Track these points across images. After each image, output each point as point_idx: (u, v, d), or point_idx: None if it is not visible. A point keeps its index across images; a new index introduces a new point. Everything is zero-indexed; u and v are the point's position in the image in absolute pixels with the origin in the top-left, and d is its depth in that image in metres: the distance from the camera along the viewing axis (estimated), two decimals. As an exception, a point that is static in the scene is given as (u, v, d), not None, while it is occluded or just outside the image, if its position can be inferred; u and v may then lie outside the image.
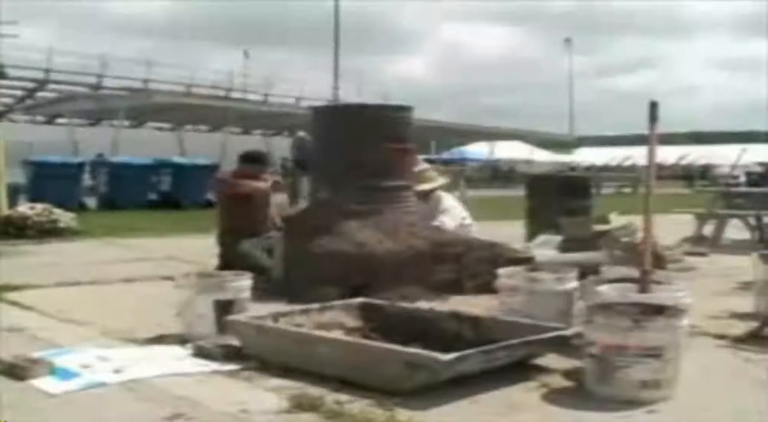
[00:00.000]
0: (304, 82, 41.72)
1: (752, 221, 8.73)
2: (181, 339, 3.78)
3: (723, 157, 43.94)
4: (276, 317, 3.66)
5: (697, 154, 53.42)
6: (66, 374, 3.21)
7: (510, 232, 7.97)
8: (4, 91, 33.99)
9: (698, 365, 3.23)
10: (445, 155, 43.92)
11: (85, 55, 34.67)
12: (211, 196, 12.11)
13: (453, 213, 6.60)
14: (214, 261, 6.04)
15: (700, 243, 8.16)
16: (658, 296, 3.41)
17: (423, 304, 4.43)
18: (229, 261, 5.65)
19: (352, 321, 3.82)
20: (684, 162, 50.17)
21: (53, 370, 3.24)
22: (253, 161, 6.37)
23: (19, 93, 34.96)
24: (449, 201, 6.83)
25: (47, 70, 33.03)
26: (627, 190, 28.42)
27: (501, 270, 4.16)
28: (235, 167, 6.50)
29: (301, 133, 14.50)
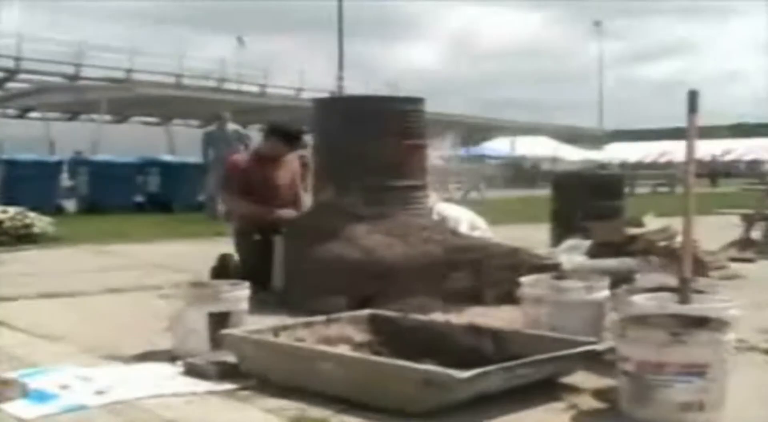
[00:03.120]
0: (304, 71, 41.95)
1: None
2: (171, 356, 3.79)
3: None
4: (276, 331, 3.66)
5: (743, 149, 53.27)
6: (42, 396, 3.21)
7: (534, 236, 7.98)
8: (-31, 81, 34.17)
9: (747, 384, 3.21)
10: (462, 152, 43.94)
11: (60, 41, 34.87)
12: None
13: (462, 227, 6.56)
14: (207, 269, 6.05)
15: (747, 248, 8.13)
16: (700, 307, 3.40)
17: (438, 316, 4.42)
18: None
19: (360, 335, 3.82)
20: (729, 157, 50.04)
21: (27, 392, 3.23)
22: (286, 138, 6.05)
23: (-15, 84, 35.13)
24: (453, 213, 6.79)
25: (17, 59, 33.17)
26: (664, 189, 28.37)
27: (524, 279, 4.15)
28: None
29: (227, 114, 14.63)
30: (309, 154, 6.96)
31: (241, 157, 6.45)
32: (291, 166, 6.19)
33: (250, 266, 5.66)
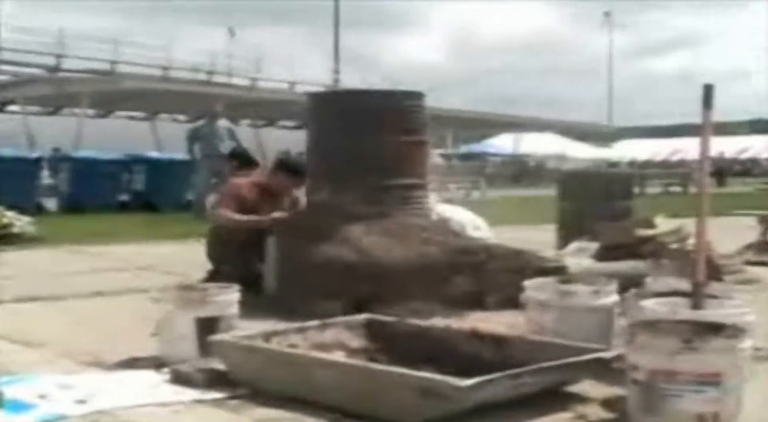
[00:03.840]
0: (298, 64, 41.94)
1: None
2: (156, 363, 3.79)
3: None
4: (268, 336, 3.66)
5: (760, 146, 53.33)
6: (19, 406, 3.20)
7: (538, 238, 7.98)
8: (-57, 73, 33.97)
9: (764, 394, 3.21)
10: (463, 149, 44.05)
11: (40, 30, 34.63)
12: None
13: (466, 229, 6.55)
14: (196, 271, 6.05)
15: (763, 251, 8.13)
16: (714, 313, 3.40)
17: (438, 321, 4.43)
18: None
19: (356, 341, 3.82)
20: (746, 155, 50.11)
21: (2, 402, 3.21)
22: (295, 174, 6.08)
23: (-40, 76, 34.94)
24: (454, 214, 6.79)
25: (-6, 49, 32.99)
26: (676, 188, 28.42)
27: (528, 283, 4.15)
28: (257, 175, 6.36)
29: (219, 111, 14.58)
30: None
31: (244, 182, 6.46)
32: (281, 204, 6.13)
33: (225, 270, 5.67)
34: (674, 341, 2.85)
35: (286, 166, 6.20)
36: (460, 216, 6.81)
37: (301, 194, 6.22)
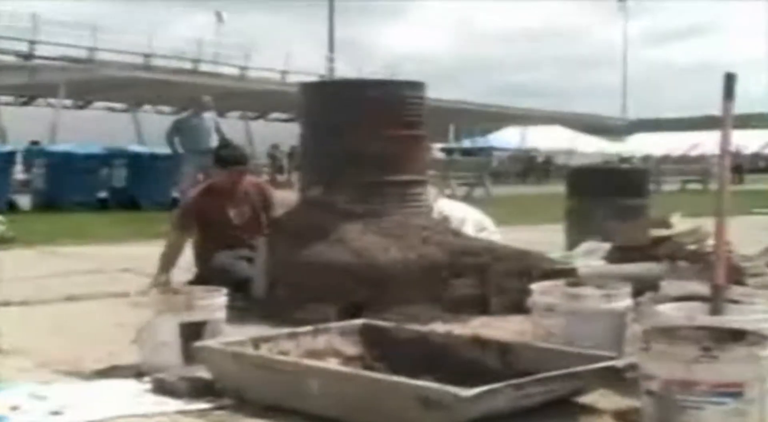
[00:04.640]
0: (291, 52, 42.01)
1: None
2: (137, 371, 3.79)
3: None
4: (257, 342, 3.66)
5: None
6: (-11, 418, 3.20)
7: (546, 238, 7.99)
8: None
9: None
10: (467, 143, 44.09)
11: (12, 14, 34.56)
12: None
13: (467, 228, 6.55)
14: (180, 274, 6.05)
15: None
16: (735, 318, 3.40)
17: (438, 327, 4.43)
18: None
19: (351, 348, 3.82)
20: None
21: (-28, 414, 3.23)
22: (230, 163, 6.21)
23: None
24: (457, 212, 6.80)
25: (-39, 34, 32.92)
26: (694, 185, 28.45)
27: (535, 286, 4.16)
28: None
29: (207, 98, 14.53)
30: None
31: (196, 193, 6.55)
32: (249, 198, 6.16)
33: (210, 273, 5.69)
34: (692, 349, 2.84)
35: (221, 160, 6.29)
36: (463, 213, 6.81)
37: (282, 194, 6.25)
